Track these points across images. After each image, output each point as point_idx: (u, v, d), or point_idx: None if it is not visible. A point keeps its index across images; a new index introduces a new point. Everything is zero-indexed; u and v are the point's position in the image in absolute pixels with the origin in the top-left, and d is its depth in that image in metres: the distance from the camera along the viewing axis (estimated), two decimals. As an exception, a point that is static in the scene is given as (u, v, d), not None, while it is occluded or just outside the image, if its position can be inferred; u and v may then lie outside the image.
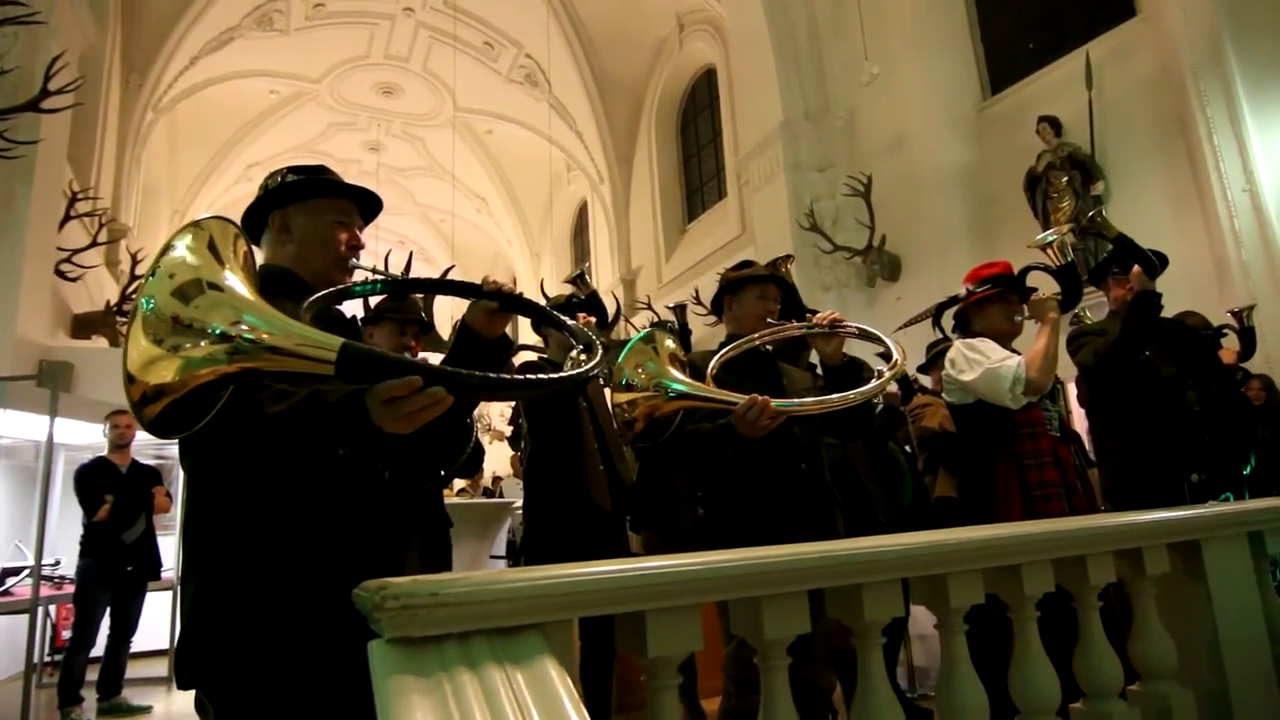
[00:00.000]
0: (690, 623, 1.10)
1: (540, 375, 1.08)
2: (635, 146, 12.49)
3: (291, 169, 1.51)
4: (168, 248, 1.04)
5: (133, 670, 4.75)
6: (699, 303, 9.30)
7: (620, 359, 2.08)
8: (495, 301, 1.40)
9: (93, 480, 4.41)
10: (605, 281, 12.44)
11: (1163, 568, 1.69)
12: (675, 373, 2.00)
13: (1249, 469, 2.76)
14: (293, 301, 1.24)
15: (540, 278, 13.57)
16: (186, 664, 1.23)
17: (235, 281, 1.05)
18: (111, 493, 4.37)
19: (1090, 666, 1.59)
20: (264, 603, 1.22)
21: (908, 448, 3.86)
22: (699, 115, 11.76)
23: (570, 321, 1.40)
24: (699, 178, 11.79)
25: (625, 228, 12.76)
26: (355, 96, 12.79)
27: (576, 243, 15.31)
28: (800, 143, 8.22)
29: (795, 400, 2.01)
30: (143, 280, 1.03)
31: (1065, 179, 6.09)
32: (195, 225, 1.07)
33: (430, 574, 1.62)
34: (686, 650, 1.11)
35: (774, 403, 1.94)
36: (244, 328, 1.02)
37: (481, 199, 15.40)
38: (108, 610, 4.42)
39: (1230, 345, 4.28)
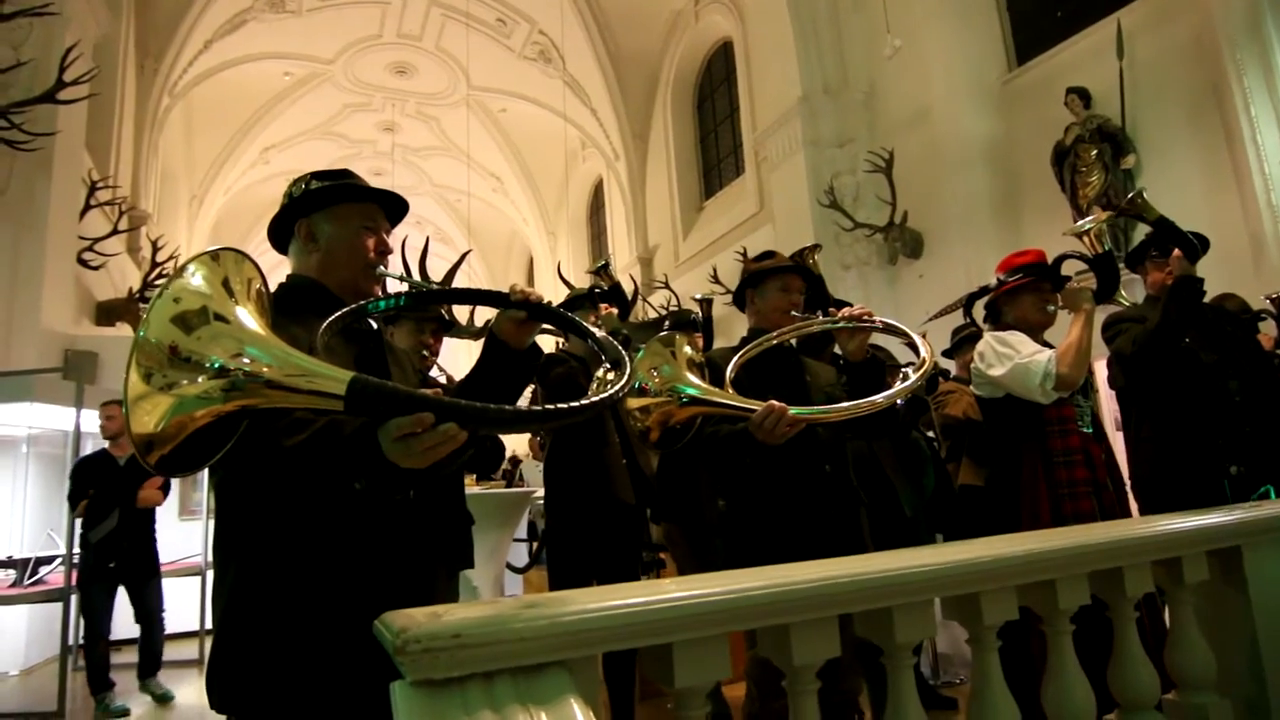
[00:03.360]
0: (718, 652, 1.08)
1: (561, 405, 1.03)
2: (651, 123, 12.31)
3: (315, 175, 1.48)
4: (178, 273, 1.00)
5: (166, 653, 4.82)
6: (716, 281, 9.23)
7: (636, 359, 2.03)
8: (523, 311, 1.36)
9: (84, 474, 4.36)
10: (622, 260, 12.36)
11: (1202, 575, 1.64)
12: (691, 377, 1.93)
13: (1290, 461, 2.68)
14: (318, 317, 1.21)
15: (557, 258, 13.51)
16: (216, 688, 1.24)
17: (244, 315, 1.01)
18: (107, 485, 4.32)
19: (1126, 678, 1.55)
20: (290, 627, 1.21)
21: (930, 434, 3.80)
22: (715, 90, 11.54)
23: (600, 334, 1.33)
24: (716, 154, 11.61)
25: (641, 205, 12.63)
26: (369, 76, 12.71)
27: (593, 221, 15.20)
28: (819, 118, 8.06)
29: (818, 408, 1.93)
30: (147, 306, 0.98)
31: (1094, 153, 5.90)
32: (211, 257, 1.04)
33: (452, 584, 1.63)
34: (714, 679, 1.09)
35: (793, 410, 1.85)
36: (245, 361, 0.97)
37: (497, 178, 15.32)
38: (118, 599, 4.42)
39: (1268, 330, 4.16)
